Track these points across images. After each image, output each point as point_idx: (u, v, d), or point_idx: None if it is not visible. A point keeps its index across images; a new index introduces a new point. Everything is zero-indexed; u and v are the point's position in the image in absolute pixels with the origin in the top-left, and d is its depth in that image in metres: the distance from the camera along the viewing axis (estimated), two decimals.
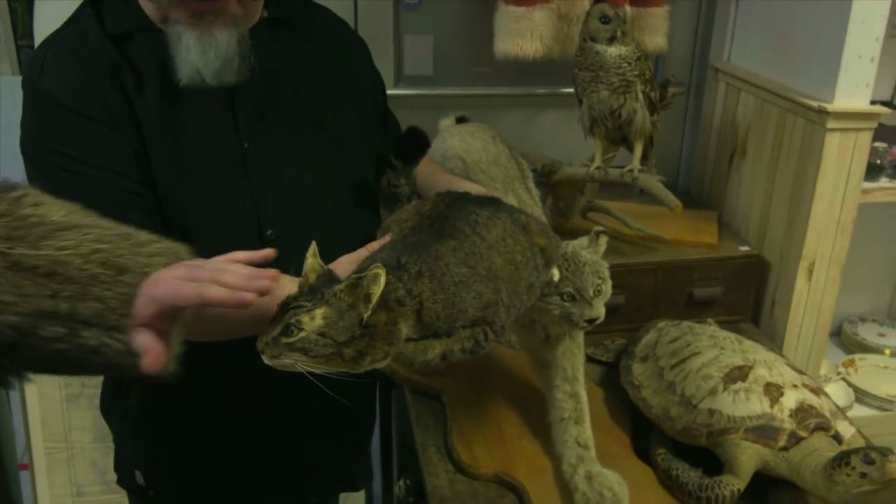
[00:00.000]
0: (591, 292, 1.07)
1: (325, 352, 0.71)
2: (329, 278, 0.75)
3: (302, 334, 0.71)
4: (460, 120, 1.59)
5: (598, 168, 1.60)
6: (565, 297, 1.07)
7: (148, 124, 1.07)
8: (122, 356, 0.71)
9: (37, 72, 1.07)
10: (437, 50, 1.86)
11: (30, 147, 1.06)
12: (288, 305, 0.73)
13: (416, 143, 1.15)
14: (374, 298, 0.72)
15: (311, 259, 0.78)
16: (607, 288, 1.11)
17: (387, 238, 0.94)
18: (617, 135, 1.59)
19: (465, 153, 1.43)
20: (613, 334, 1.52)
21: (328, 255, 0.90)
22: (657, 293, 1.60)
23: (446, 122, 1.59)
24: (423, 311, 0.76)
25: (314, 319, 0.71)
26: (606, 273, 1.12)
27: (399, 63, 1.86)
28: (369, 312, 0.72)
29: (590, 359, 1.43)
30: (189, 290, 0.70)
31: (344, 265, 0.92)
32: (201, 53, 1.06)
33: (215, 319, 0.90)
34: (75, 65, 1.06)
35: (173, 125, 1.09)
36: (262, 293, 0.71)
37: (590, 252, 1.12)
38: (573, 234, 1.47)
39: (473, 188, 1.21)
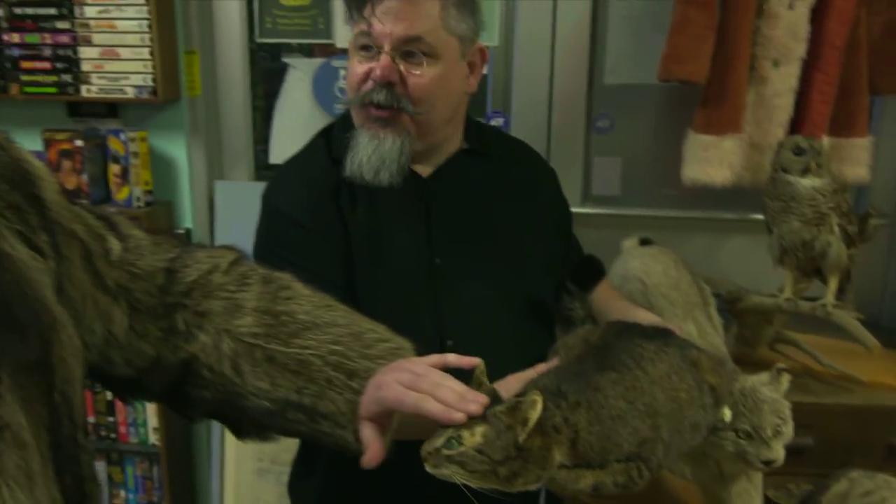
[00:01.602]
0: (769, 432, 1.03)
1: (481, 468, 0.75)
2: (493, 397, 0.80)
3: (461, 448, 0.76)
4: (644, 242, 1.61)
5: (787, 299, 1.53)
6: (741, 434, 1.03)
7: (355, 238, 1.21)
8: (349, 443, 0.84)
9: (273, 190, 1.27)
10: (626, 171, 1.92)
11: (261, 252, 1.23)
12: None
13: (593, 272, 1.19)
14: (531, 423, 0.75)
15: (479, 377, 0.83)
16: (788, 430, 1.06)
17: (554, 361, 0.97)
18: (810, 266, 1.52)
19: (644, 275, 1.44)
20: (798, 478, 1.41)
21: (500, 371, 0.96)
22: (851, 439, 1.47)
23: (629, 244, 1.62)
24: (578, 440, 0.78)
25: (474, 436, 0.76)
26: (788, 413, 1.06)
27: (587, 182, 1.93)
28: (525, 436, 0.75)
29: (770, 502, 1.34)
30: (410, 399, 0.79)
31: (512, 384, 0.97)
32: (366, 151, 1.20)
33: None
34: (303, 186, 1.24)
35: (376, 239, 1.22)
36: (471, 416, 0.78)
37: (770, 389, 1.08)
38: (759, 365, 1.42)
39: (647, 317, 1.22)
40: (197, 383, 0.86)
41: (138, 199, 2.02)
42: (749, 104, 1.68)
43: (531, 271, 1.29)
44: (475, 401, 0.79)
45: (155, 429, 2.14)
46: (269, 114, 2.16)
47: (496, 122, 1.98)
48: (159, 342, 0.85)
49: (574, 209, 1.47)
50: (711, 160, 1.65)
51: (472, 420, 0.77)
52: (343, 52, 1.98)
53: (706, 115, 1.68)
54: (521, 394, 0.80)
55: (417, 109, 1.18)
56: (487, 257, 1.26)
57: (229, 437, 2.07)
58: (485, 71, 1.69)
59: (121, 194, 2.02)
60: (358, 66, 1.20)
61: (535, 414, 0.75)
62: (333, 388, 0.84)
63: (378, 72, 1.16)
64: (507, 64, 1.98)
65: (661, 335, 0.98)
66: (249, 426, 0.90)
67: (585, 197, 1.94)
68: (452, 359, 0.88)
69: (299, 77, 2.09)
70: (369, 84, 1.18)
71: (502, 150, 1.36)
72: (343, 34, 1.25)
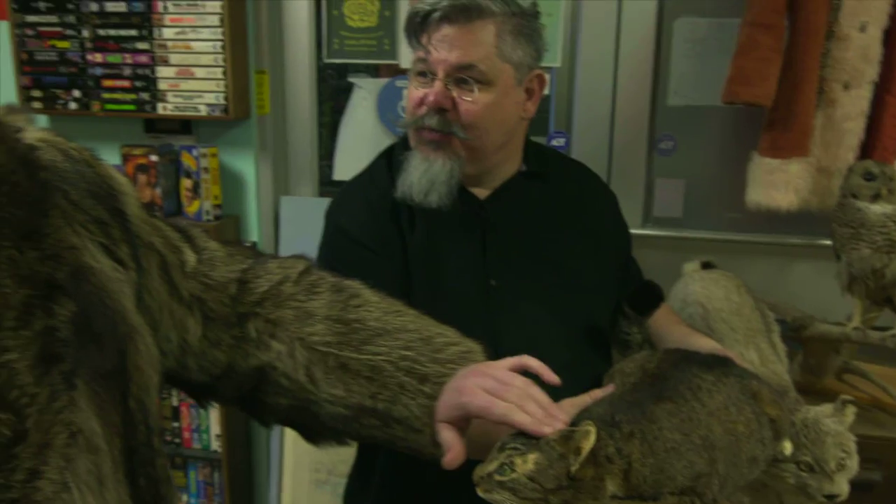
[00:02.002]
0: (832, 465, 1.00)
1: (533, 496, 0.76)
2: None
3: (513, 475, 0.76)
4: (705, 266, 1.59)
5: (855, 328, 1.49)
6: (802, 467, 1.01)
7: (413, 257, 1.24)
8: (424, 447, 0.86)
9: (336, 208, 1.31)
10: (688, 193, 1.89)
11: (323, 266, 1.27)
12: (505, 445, 0.79)
13: (651, 298, 1.18)
14: (583, 453, 0.75)
15: None
16: (852, 463, 1.03)
17: (610, 388, 0.97)
18: (880, 295, 1.47)
19: (705, 300, 1.42)
20: None
21: (554, 395, 0.96)
22: None
23: (690, 267, 1.60)
24: (631, 471, 0.78)
25: (526, 463, 0.76)
26: (852, 447, 1.04)
27: (648, 204, 1.91)
28: (577, 466, 0.75)
29: None
30: (499, 409, 0.80)
31: (566, 408, 0.97)
32: (417, 172, 1.22)
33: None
34: (364, 205, 1.28)
35: (433, 260, 1.24)
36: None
37: (834, 421, 1.06)
38: (824, 395, 1.38)
39: (707, 344, 1.21)
40: (273, 391, 0.88)
41: (208, 212, 2.09)
42: (817, 127, 1.64)
43: (587, 295, 1.28)
44: (559, 417, 0.80)
45: (217, 436, 2.20)
46: (336, 129, 2.21)
47: (557, 141, 1.98)
48: (231, 349, 0.88)
49: (635, 230, 1.46)
50: (777, 184, 1.62)
51: (525, 447, 0.78)
52: (407, 73, 2.02)
53: (772, 139, 1.65)
54: (575, 422, 0.80)
55: (469, 135, 1.21)
56: (543, 280, 1.27)
57: (288, 447, 2.11)
58: (547, 92, 1.70)
59: (191, 208, 2.09)
60: (414, 91, 1.23)
61: (588, 444, 0.75)
62: (406, 392, 0.85)
63: (431, 98, 1.19)
64: (570, 84, 1.99)
65: (720, 365, 0.96)
66: (324, 432, 0.92)
67: (646, 218, 1.92)
68: (534, 364, 0.88)
69: (364, 96, 2.14)
70: (423, 109, 1.21)
71: (561, 173, 1.37)
72: (408, 54, 1.29)
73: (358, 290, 0.93)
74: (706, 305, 1.41)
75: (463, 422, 0.84)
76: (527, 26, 1.23)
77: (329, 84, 2.24)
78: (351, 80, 2.16)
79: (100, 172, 0.76)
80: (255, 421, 0.97)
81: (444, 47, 1.18)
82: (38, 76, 2.10)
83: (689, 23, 1.83)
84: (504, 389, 0.82)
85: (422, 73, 1.23)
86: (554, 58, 1.92)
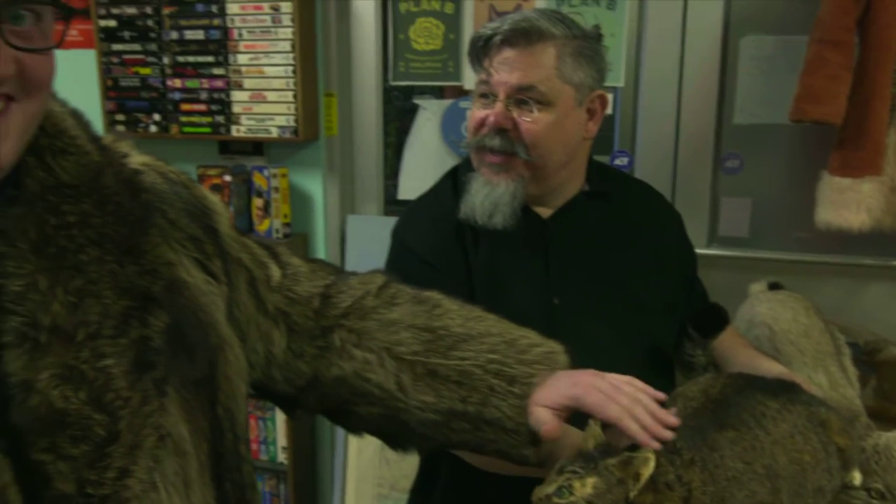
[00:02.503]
0: None
1: None
2: (605, 449, 0.81)
3: (571, 498, 0.77)
4: (773, 286, 1.56)
5: None
6: (873, 494, 0.99)
7: (477, 275, 1.26)
8: (513, 447, 0.88)
9: (402, 227, 1.35)
10: (755, 212, 1.86)
11: None
12: (564, 468, 0.80)
13: (716, 320, 1.17)
14: (642, 480, 0.76)
15: (593, 426, 0.85)
16: None
17: (672, 411, 0.97)
18: None
19: (772, 321, 1.40)
20: None
21: None
22: None
23: (757, 288, 1.57)
24: (691, 499, 0.78)
25: (585, 487, 0.77)
26: None
27: (714, 223, 1.89)
28: (636, 492, 0.76)
29: None
30: (613, 411, 0.83)
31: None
32: (480, 195, 1.24)
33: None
34: (430, 224, 1.31)
35: (496, 278, 1.26)
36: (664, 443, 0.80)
37: None
38: None
39: (774, 368, 1.19)
40: (366, 401, 0.91)
41: (277, 230, 2.16)
42: (890, 146, 1.60)
43: (651, 315, 1.28)
44: (668, 421, 0.82)
45: (283, 448, 2.26)
46: (401, 150, 2.26)
47: (620, 161, 1.98)
48: (315, 360, 0.91)
49: (700, 250, 1.44)
50: (848, 203, 1.58)
51: (584, 470, 0.79)
52: (471, 94, 2.05)
53: (842, 157, 1.61)
54: (635, 447, 0.81)
55: (531, 155, 1.22)
56: (606, 299, 1.27)
57: (352, 462, 2.15)
58: (610, 111, 1.70)
59: (262, 226, 2.17)
60: (477, 113, 1.26)
61: (647, 471, 0.76)
62: (496, 394, 0.87)
63: (491, 118, 1.22)
64: (634, 104, 1.98)
65: (786, 391, 0.95)
66: (412, 438, 0.94)
67: (712, 238, 1.89)
68: (640, 386, 0.88)
69: (428, 117, 2.18)
70: (485, 129, 1.24)
71: (625, 193, 1.37)
72: (472, 76, 1.31)
73: (438, 299, 0.96)
74: (773, 327, 1.39)
75: (566, 412, 0.86)
76: (588, 48, 1.24)
77: (394, 105, 2.29)
78: (416, 101, 2.20)
79: (195, 193, 0.81)
80: (344, 430, 1.00)
81: (505, 69, 1.21)
82: (121, 101, 2.21)
83: (756, 40, 1.81)
84: (617, 393, 0.84)
85: (484, 95, 1.26)
86: (617, 77, 1.92)
